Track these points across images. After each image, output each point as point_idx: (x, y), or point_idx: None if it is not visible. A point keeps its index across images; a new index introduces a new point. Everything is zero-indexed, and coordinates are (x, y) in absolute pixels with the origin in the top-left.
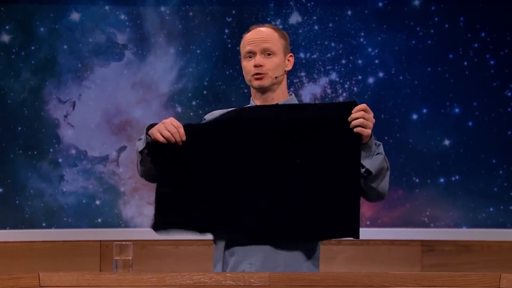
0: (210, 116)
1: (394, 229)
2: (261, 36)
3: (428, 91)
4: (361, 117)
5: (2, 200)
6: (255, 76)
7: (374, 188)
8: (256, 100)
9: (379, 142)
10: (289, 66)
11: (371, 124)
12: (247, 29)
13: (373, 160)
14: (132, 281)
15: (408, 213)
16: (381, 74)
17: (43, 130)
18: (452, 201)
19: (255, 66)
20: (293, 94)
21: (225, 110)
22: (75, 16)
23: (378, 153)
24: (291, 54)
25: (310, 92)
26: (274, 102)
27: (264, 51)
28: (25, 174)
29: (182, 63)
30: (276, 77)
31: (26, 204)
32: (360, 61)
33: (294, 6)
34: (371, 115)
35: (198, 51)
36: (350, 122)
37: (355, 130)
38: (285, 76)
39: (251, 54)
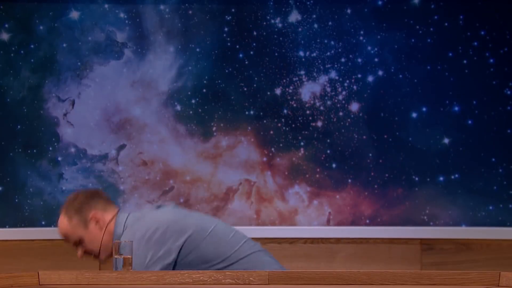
0: None
1: (394, 228)
2: (61, 236)
3: (428, 90)
4: None
5: (2, 199)
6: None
7: None
8: None
9: None
10: (101, 222)
11: None
12: (247, 28)
13: None
14: (131, 279)
15: (407, 212)
16: (380, 73)
17: (42, 128)
18: (452, 199)
19: (79, 257)
20: (116, 231)
21: None
22: (74, 14)
23: None
24: (91, 215)
25: (310, 90)
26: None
27: (74, 244)
28: (25, 172)
29: (181, 61)
30: (100, 247)
31: (26, 202)
32: (359, 60)
33: (293, 4)
34: None
35: (198, 50)
36: None
37: None
38: (110, 225)
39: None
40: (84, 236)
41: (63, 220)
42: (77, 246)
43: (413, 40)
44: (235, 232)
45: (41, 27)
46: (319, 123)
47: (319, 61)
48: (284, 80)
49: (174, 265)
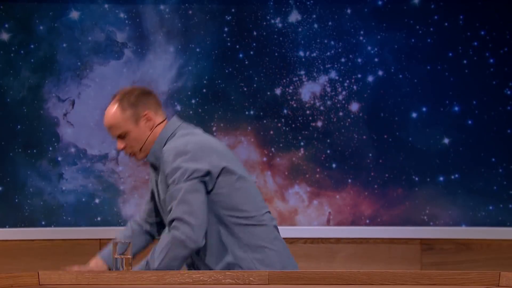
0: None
1: (394, 228)
2: (107, 125)
3: (428, 90)
4: None
5: (2, 199)
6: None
7: None
8: None
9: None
10: (150, 124)
11: None
12: (247, 28)
13: None
14: (131, 279)
15: (407, 212)
16: (380, 73)
17: (42, 128)
18: (452, 199)
19: (119, 149)
20: (161, 136)
21: None
22: (74, 14)
23: None
24: (145, 112)
25: (310, 90)
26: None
27: (116, 136)
28: (25, 172)
29: (181, 61)
30: (142, 146)
31: (26, 202)
32: (359, 60)
33: (293, 4)
34: None
35: (198, 50)
36: None
37: None
38: (158, 128)
39: (112, 136)
40: (132, 131)
41: (115, 111)
42: (119, 138)
43: (413, 40)
44: (262, 199)
45: (41, 27)
46: (319, 123)
47: (319, 61)
48: (284, 80)
49: (207, 197)
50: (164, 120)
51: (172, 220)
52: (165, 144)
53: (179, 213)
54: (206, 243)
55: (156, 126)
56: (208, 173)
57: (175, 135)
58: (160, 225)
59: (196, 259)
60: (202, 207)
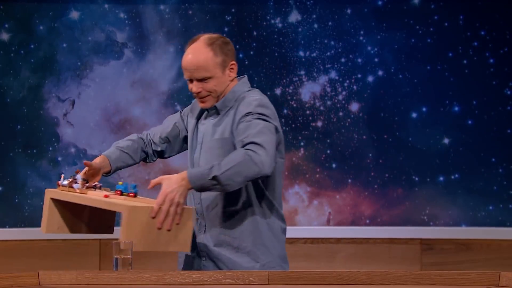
0: (191, 106)
1: (394, 228)
2: (193, 65)
3: (428, 90)
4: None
5: (2, 199)
6: (198, 99)
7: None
8: None
9: (212, 165)
10: (233, 74)
11: (175, 200)
12: (247, 28)
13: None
14: (131, 279)
15: (407, 212)
16: (380, 73)
17: (42, 128)
18: (452, 199)
19: (194, 92)
20: (235, 88)
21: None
22: (74, 14)
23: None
24: (232, 62)
25: (310, 90)
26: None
27: (199, 78)
28: (25, 172)
29: (181, 61)
30: (218, 96)
31: (26, 202)
32: (359, 60)
33: (293, 4)
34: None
35: None
36: None
37: None
38: (233, 81)
39: (188, 77)
40: (216, 77)
41: (208, 54)
42: (198, 81)
43: (413, 40)
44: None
45: (41, 27)
46: (319, 123)
47: (319, 61)
48: (284, 80)
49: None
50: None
51: (248, 143)
52: (237, 98)
53: (259, 140)
54: (238, 214)
55: (233, 79)
56: (277, 132)
57: (249, 91)
58: (158, 155)
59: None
60: (274, 148)
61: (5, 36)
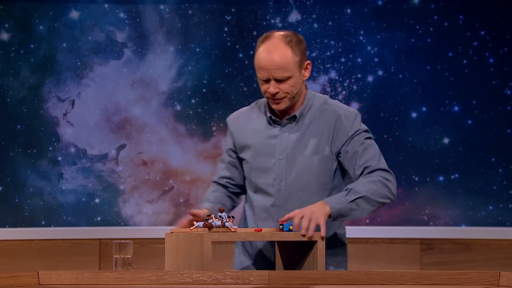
0: (234, 121)
1: (394, 228)
2: (273, 64)
3: (428, 90)
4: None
5: (2, 199)
6: (272, 100)
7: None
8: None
9: (347, 192)
10: (307, 74)
11: (315, 217)
12: (247, 28)
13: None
14: (131, 279)
15: (407, 212)
16: (380, 73)
17: (42, 128)
18: (452, 199)
19: (271, 93)
20: (309, 95)
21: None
22: (74, 14)
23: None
24: (308, 62)
25: None
26: (291, 112)
27: (279, 78)
28: (25, 172)
29: (181, 61)
30: (293, 97)
31: (26, 202)
32: (359, 60)
33: (293, 4)
34: (306, 213)
35: (198, 49)
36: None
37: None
38: (304, 84)
39: (266, 78)
40: (294, 77)
41: (288, 53)
42: (277, 81)
43: (413, 40)
44: None
45: (41, 27)
46: None
47: (319, 61)
48: None
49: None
50: None
51: (376, 170)
52: (311, 103)
53: (384, 166)
54: None
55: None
56: None
57: (326, 99)
58: (240, 188)
59: None
60: None
61: (5, 36)
